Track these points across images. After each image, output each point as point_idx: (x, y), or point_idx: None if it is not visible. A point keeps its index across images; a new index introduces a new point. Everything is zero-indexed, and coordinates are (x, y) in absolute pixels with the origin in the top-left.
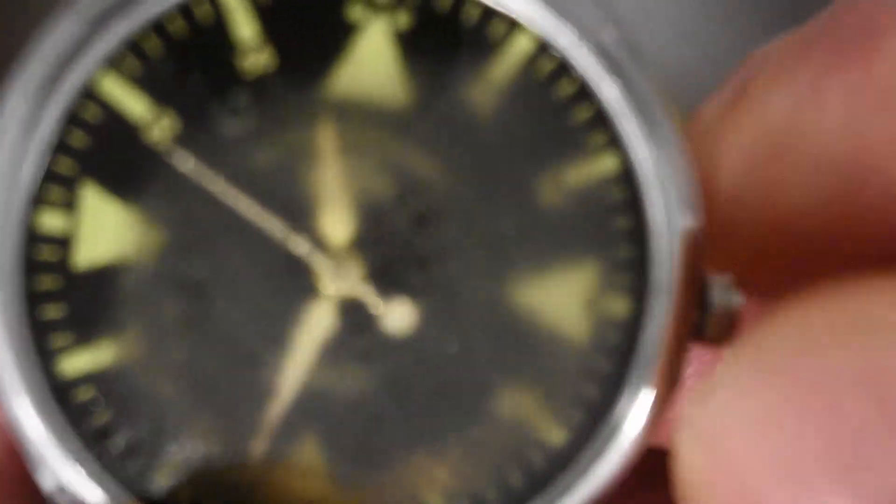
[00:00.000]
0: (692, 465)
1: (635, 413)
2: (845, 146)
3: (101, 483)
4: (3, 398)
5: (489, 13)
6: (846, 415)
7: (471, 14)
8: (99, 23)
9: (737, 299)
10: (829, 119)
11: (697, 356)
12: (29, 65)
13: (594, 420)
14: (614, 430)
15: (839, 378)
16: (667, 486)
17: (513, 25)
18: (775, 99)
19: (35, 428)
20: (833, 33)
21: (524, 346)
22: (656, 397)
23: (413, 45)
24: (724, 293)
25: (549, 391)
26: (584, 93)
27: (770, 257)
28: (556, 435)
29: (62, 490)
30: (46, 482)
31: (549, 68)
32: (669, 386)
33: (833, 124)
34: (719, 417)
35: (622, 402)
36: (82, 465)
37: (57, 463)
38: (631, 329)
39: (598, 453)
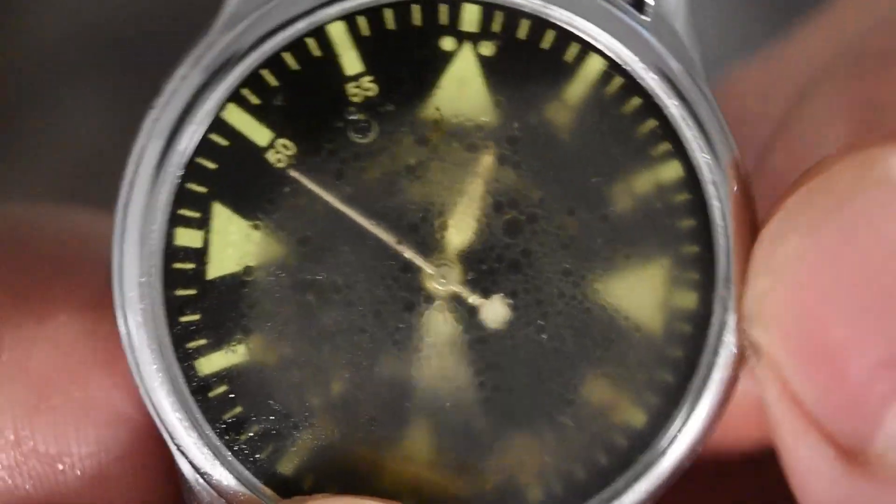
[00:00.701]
0: (761, 290)
1: (707, 397)
2: None
3: (233, 470)
4: (146, 395)
5: (564, 38)
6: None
7: (547, 39)
8: (223, 63)
9: None
10: None
11: None
12: (167, 101)
13: (671, 403)
14: (689, 413)
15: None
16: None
17: (585, 49)
18: None
19: (175, 421)
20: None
21: (606, 338)
22: (724, 382)
23: (497, 70)
24: None
25: (630, 378)
26: (649, 107)
27: None
28: (637, 418)
29: (200, 476)
30: (186, 469)
31: (618, 85)
32: (735, 371)
33: None
34: (785, 250)
35: (695, 386)
36: (216, 453)
37: (195, 452)
38: (701, 319)
39: (675, 434)
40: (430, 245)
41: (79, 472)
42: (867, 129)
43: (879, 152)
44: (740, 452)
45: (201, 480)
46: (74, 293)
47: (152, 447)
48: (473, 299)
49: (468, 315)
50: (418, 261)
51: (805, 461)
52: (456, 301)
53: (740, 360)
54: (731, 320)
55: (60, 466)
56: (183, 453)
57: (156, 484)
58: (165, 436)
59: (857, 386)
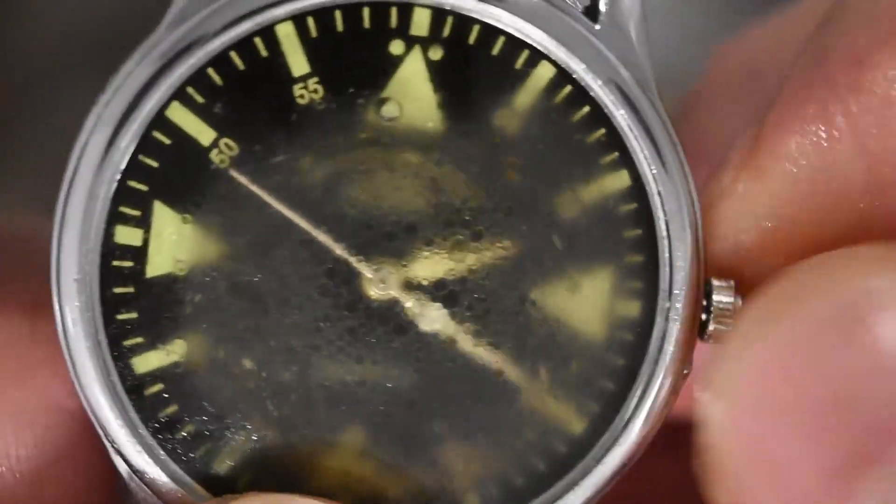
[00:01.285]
0: (712, 416)
1: (647, 403)
2: (861, 168)
3: (166, 468)
4: (82, 392)
5: (514, 45)
6: (834, 363)
7: (497, 45)
8: (168, 60)
9: (738, 301)
10: (842, 148)
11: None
12: (110, 98)
13: (611, 410)
14: (628, 420)
15: (825, 329)
16: (683, 457)
17: (534, 56)
18: (792, 140)
19: (110, 418)
20: (826, 64)
21: (548, 345)
22: (665, 389)
23: (446, 75)
24: (726, 296)
25: (571, 385)
26: (598, 116)
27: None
28: (576, 425)
29: (134, 474)
30: (121, 467)
31: (567, 93)
32: (677, 379)
33: (847, 151)
34: (730, 369)
35: (635, 394)
36: (151, 452)
37: (129, 450)
38: (642, 328)
39: (614, 440)
40: (369, 249)
41: (17, 475)
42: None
43: (825, 263)
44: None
45: (136, 478)
46: (13, 295)
47: (92, 446)
48: (412, 304)
49: (405, 319)
50: (358, 265)
51: None
52: (394, 305)
53: (676, 377)
54: (673, 331)
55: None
56: (118, 451)
57: (95, 484)
58: (101, 433)
59: (808, 496)
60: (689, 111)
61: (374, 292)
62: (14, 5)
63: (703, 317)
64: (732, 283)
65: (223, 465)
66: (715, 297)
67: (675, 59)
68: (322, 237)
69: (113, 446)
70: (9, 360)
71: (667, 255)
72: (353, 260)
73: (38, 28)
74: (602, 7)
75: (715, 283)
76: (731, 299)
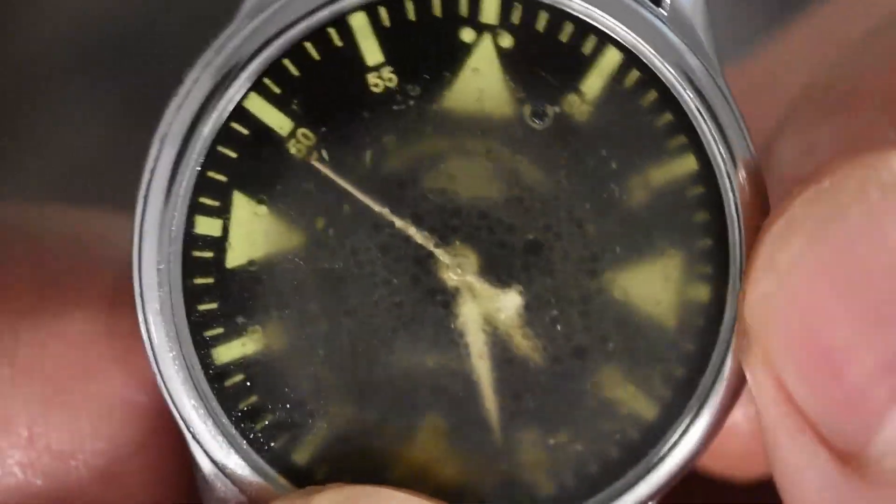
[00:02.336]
0: (762, 292)
1: (717, 391)
2: None
3: (247, 459)
4: (163, 383)
5: (582, 31)
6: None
7: (566, 31)
8: (245, 52)
9: None
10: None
11: None
12: (189, 89)
13: (682, 397)
14: (700, 407)
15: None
16: None
17: (602, 41)
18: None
19: (191, 409)
20: None
21: (620, 330)
22: (733, 377)
23: (516, 61)
24: None
25: (643, 371)
26: (665, 101)
27: None
28: (648, 411)
29: (215, 465)
30: (201, 459)
31: (635, 79)
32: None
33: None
34: (788, 254)
35: (705, 381)
36: (232, 442)
37: (209, 441)
38: (713, 313)
39: (686, 427)
40: (447, 236)
41: (92, 469)
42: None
43: (883, 157)
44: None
45: (216, 470)
46: (90, 291)
47: (168, 442)
48: (489, 290)
49: (483, 307)
50: (436, 251)
51: (798, 464)
52: (471, 292)
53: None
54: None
55: (73, 463)
56: (198, 442)
57: (170, 480)
58: (181, 424)
59: (855, 389)
60: None
61: (452, 278)
62: (13, 6)
63: None
64: None
65: (304, 455)
66: None
67: None
68: (400, 223)
69: (193, 438)
70: (86, 355)
71: (737, 238)
72: (431, 246)
73: (37, 28)
74: None
75: None
76: None
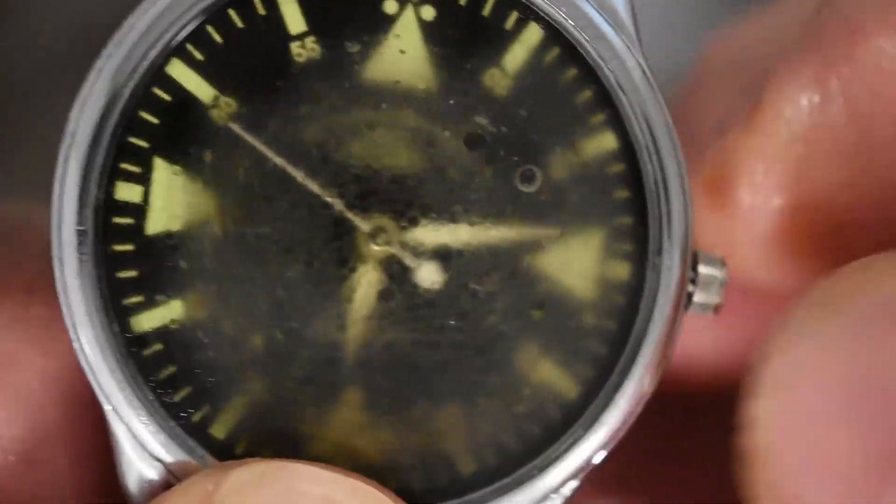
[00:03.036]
0: (766, 408)
1: (637, 368)
2: (853, 132)
3: (166, 429)
4: (81, 352)
5: (504, 5)
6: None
7: (488, 6)
8: (168, 17)
9: (723, 273)
10: (835, 112)
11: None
12: (110, 55)
13: (603, 375)
14: (619, 385)
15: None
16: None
17: (524, 16)
18: (789, 107)
19: (109, 378)
20: (821, 37)
21: (540, 306)
22: (655, 354)
23: (438, 34)
24: (713, 265)
25: (564, 348)
26: (586, 77)
27: (802, 242)
28: (569, 389)
29: (133, 437)
30: (119, 431)
31: (556, 54)
32: (667, 344)
33: (840, 115)
34: (779, 368)
35: (625, 357)
36: (151, 412)
37: (128, 411)
38: (633, 291)
39: (606, 405)
40: (366, 205)
41: (11, 456)
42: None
43: (872, 263)
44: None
45: (135, 441)
46: (8, 280)
47: (91, 425)
48: (409, 260)
49: (403, 276)
50: (355, 220)
51: None
52: (391, 262)
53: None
54: (663, 293)
55: None
56: (116, 412)
57: (95, 463)
58: (99, 394)
59: (858, 481)
60: (678, 105)
61: (372, 247)
62: (12, 4)
63: (690, 288)
64: (720, 255)
65: (223, 428)
66: (701, 268)
67: (661, 55)
68: (320, 192)
69: (112, 408)
70: (3, 342)
71: (657, 215)
72: (350, 214)
73: (35, 26)
74: None
75: (702, 253)
76: (717, 271)
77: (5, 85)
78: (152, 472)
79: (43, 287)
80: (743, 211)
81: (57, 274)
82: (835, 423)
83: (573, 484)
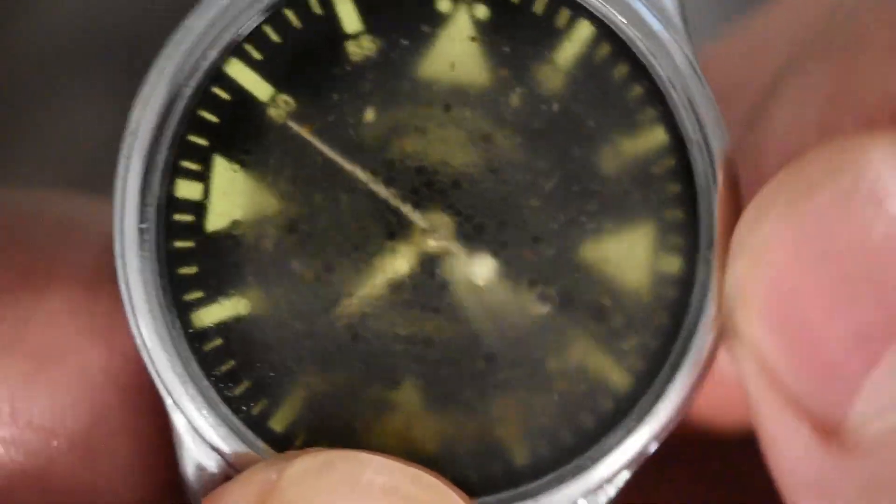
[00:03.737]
0: (739, 272)
1: (689, 361)
2: None
3: (227, 422)
4: (143, 346)
5: (555, 3)
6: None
7: (539, 4)
8: (225, 17)
9: None
10: None
11: None
12: (170, 55)
13: (654, 367)
14: (672, 376)
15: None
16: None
17: (576, 13)
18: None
19: (170, 372)
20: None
21: (592, 299)
22: (705, 346)
23: (491, 32)
24: None
25: (615, 341)
26: (637, 73)
27: None
28: (621, 381)
29: (193, 430)
30: (180, 423)
31: (607, 51)
32: (717, 336)
33: None
34: (762, 233)
35: (677, 350)
36: (211, 406)
37: (188, 405)
38: (684, 284)
39: (659, 397)
40: (423, 201)
41: (74, 445)
42: (839, 114)
43: (849, 143)
44: (725, 432)
45: (195, 434)
46: (72, 271)
47: (152, 417)
48: (464, 255)
49: (458, 271)
50: (412, 215)
51: (782, 438)
52: (447, 257)
53: (720, 334)
54: (714, 285)
55: (55, 442)
56: (177, 405)
57: (155, 455)
58: (160, 387)
59: (832, 360)
60: None
61: (428, 242)
62: (15, 2)
63: None
64: None
65: (282, 420)
66: None
67: None
68: (378, 188)
69: (173, 401)
70: (66, 331)
71: (707, 209)
72: (408, 210)
73: (40, 22)
74: None
75: None
76: None
77: (9, 82)
78: (212, 464)
79: (105, 280)
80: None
81: (119, 270)
82: (810, 299)
83: (626, 474)
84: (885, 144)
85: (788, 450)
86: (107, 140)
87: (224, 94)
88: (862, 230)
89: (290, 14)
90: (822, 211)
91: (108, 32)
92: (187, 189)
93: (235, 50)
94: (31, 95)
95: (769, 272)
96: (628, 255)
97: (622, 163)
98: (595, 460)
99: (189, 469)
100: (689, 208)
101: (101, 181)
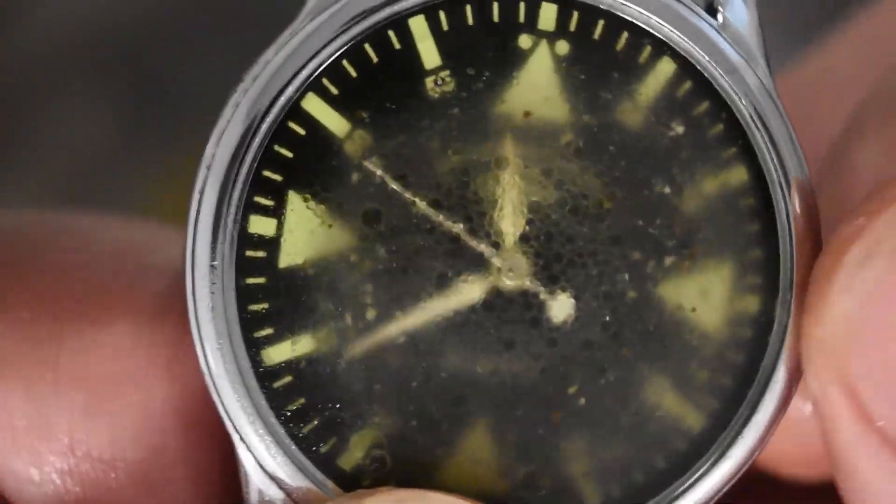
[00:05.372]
0: (843, 314)
1: (766, 402)
2: None
3: (295, 461)
4: (211, 382)
5: (637, 39)
6: None
7: (621, 40)
8: (305, 52)
9: None
10: None
11: None
12: (246, 89)
13: (730, 408)
14: (748, 418)
15: None
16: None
17: (657, 50)
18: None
19: (238, 409)
20: None
21: (668, 339)
22: (783, 386)
23: (572, 69)
24: None
25: (690, 381)
26: (718, 110)
27: None
28: (696, 421)
29: (261, 468)
30: (247, 461)
31: (688, 88)
32: (794, 377)
33: None
34: (870, 274)
35: (754, 391)
36: (279, 443)
37: (256, 443)
38: (762, 325)
39: (734, 439)
40: (500, 240)
41: (133, 477)
42: None
43: None
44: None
45: (262, 473)
46: (134, 301)
47: (214, 452)
48: (541, 294)
49: (535, 310)
50: (488, 254)
51: (876, 482)
52: (523, 296)
53: (797, 373)
54: (794, 326)
55: (113, 474)
56: (245, 443)
57: (215, 490)
58: (228, 425)
59: None
60: None
61: (504, 282)
62: (15, 8)
63: None
64: None
65: (351, 459)
66: None
67: None
68: (453, 228)
69: (240, 438)
70: (128, 363)
71: (787, 249)
72: (483, 249)
73: (38, 31)
74: (717, 6)
75: None
76: None
77: (12, 88)
78: (279, 502)
79: (170, 310)
80: None
81: (190, 307)
82: None
83: None
84: None
85: (883, 495)
86: (105, 145)
87: (300, 130)
88: None
89: (368, 48)
90: None
91: (108, 36)
92: (261, 225)
93: (312, 84)
94: (29, 99)
95: (877, 316)
96: (706, 295)
97: (703, 201)
98: (668, 502)
99: None
100: (769, 247)
101: (100, 186)
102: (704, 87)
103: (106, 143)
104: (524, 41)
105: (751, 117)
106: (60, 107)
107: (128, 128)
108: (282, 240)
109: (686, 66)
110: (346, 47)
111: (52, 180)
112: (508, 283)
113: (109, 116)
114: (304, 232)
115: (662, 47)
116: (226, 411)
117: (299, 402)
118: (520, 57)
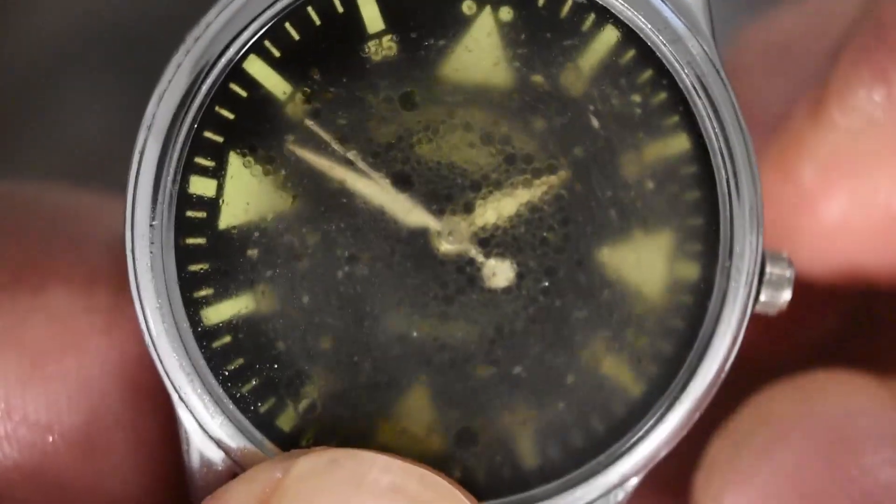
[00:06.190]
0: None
1: (705, 368)
2: None
3: (234, 420)
4: (150, 342)
5: (581, 7)
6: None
7: (565, 8)
8: (247, 14)
9: (791, 272)
10: None
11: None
12: (188, 50)
13: (668, 373)
14: (686, 384)
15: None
16: None
17: (601, 18)
18: (854, 97)
19: (178, 368)
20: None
21: (608, 304)
22: (722, 353)
23: (515, 35)
24: (780, 265)
25: (630, 346)
26: (660, 79)
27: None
28: (634, 386)
29: (200, 427)
30: (187, 420)
31: (631, 56)
32: (733, 344)
33: None
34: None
35: (693, 357)
36: (218, 402)
37: (196, 401)
38: (702, 291)
39: (672, 404)
40: (438, 203)
41: (70, 442)
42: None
43: (811, 385)
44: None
45: (201, 431)
46: (73, 268)
47: (153, 415)
48: (480, 258)
49: (474, 273)
50: (427, 218)
51: None
52: (462, 259)
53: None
54: (733, 293)
55: (51, 438)
56: (184, 402)
57: (156, 453)
58: (168, 384)
59: None
60: None
61: (444, 246)
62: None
63: (756, 287)
64: (786, 254)
65: (289, 419)
66: (769, 268)
67: None
68: (393, 189)
69: (179, 397)
70: (64, 329)
71: (728, 216)
72: (421, 212)
73: (41, 20)
74: None
75: (769, 253)
76: (785, 270)
77: (14, 77)
78: (218, 461)
79: (107, 276)
80: (806, 193)
81: (129, 266)
82: None
83: (635, 480)
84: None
85: None
86: (109, 135)
87: (242, 91)
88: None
89: (311, 11)
90: (788, 467)
91: (110, 29)
92: (201, 186)
93: (254, 47)
94: (33, 92)
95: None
96: (646, 261)
97: (644, 168)
98: (606, 465)
99: (195, 465)
100: (709, 215)
101: (105, 177)
102: (648, 55)
103: (109, 130)
104: (468, 6)
105: (693, 86)
106: (60, 95)
107: (127, 115)
108: (221, 201)
109: (630, 35)
110: (288, 10)
111: (55, 169)
112: (447, 246)
113: (109, 104)
114: (243, 193)
115: (606, 15)
116: (165, 371)
117: (238, 363)
118: (463, 22)
